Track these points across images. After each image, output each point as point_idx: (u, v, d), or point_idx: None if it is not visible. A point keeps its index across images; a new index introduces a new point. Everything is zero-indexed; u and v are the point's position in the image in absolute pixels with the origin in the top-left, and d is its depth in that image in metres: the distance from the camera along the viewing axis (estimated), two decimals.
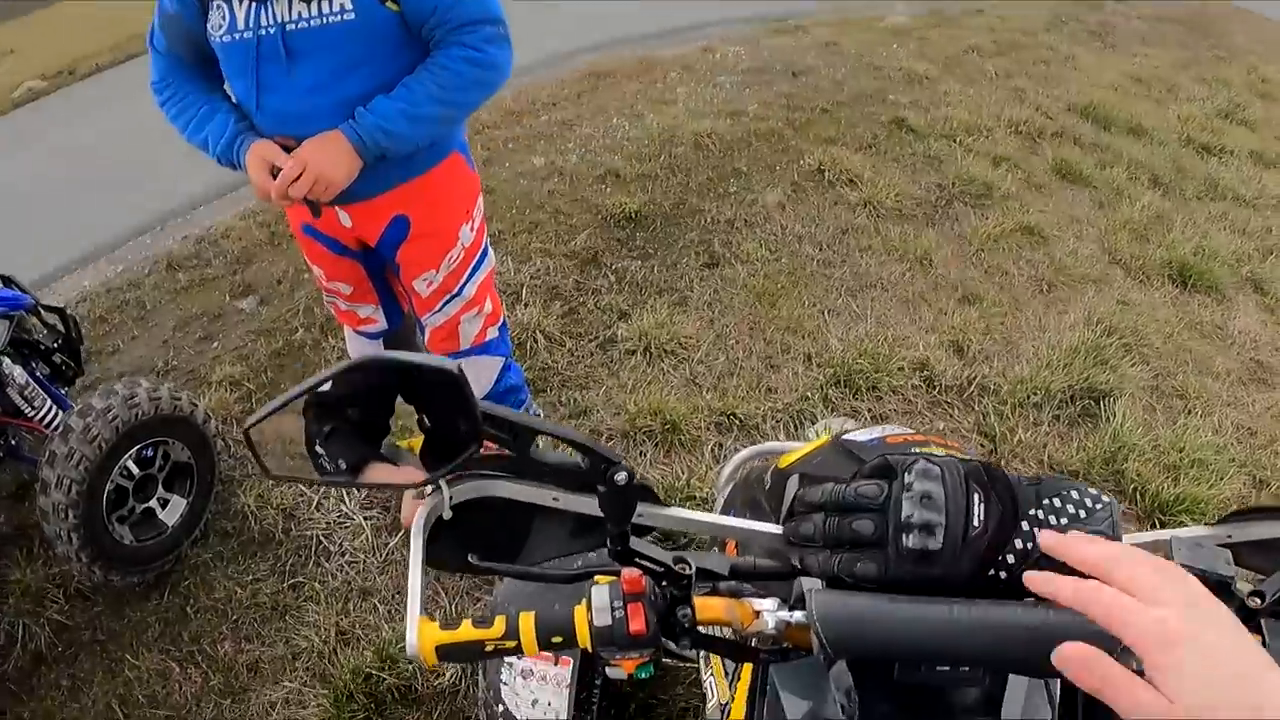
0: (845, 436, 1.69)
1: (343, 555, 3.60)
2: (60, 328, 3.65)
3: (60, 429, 3.15)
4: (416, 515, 1.34)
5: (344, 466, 1.20)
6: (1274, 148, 8.77)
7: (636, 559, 1.21)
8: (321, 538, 3.66)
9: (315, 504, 3.78)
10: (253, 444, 1.14)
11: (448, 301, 3.09)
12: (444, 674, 3.15)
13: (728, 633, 1.48)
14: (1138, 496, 4.00)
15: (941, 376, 4.57)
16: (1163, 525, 3.73)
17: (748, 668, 1.53)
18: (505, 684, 2.18)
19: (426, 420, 1.21)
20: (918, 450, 1.32)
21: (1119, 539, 1.18)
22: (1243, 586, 1.20)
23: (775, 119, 7.10)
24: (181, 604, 3.46)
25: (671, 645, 1.21)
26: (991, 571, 1.18)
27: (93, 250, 5.75)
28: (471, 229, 3.05)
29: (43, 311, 3.61)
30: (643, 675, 1.21)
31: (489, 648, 1.19)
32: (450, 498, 1.35)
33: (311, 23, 2.50)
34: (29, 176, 7.05)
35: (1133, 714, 0.87)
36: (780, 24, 9.58)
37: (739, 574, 1.31)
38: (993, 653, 1.14)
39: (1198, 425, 4.53)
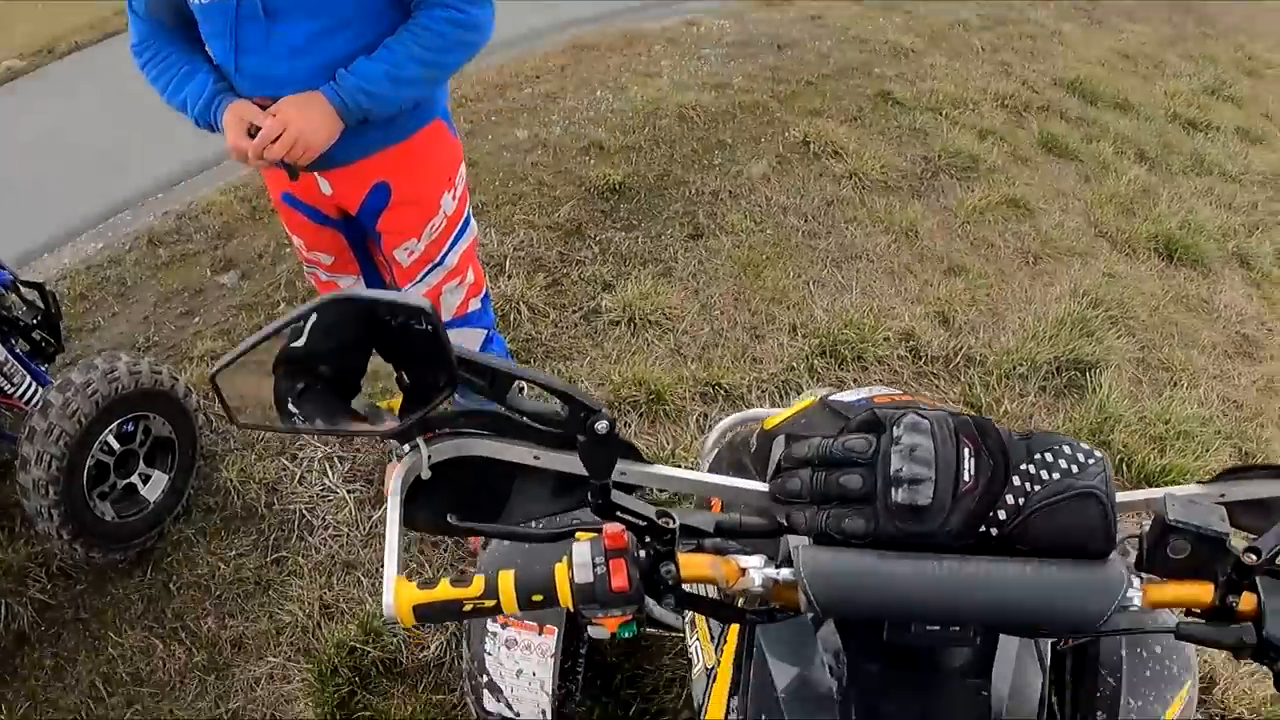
0: (832, 398, 1.67)
1: (326, 529, 3.59)
2: (40, 304, 3.60)
3: (40, 405, 3.11)
4: (394, 475, 1.30)
5: (320, 425, 1.17)
6: (1260, 124, 8.78)
7: (618, 513, 1.18)
8: (305, 511, 3.64)
9: (298, 478, 3.76)
10: (220, 391, 1.11)
11: (429, 271, 3.06)
12: (429, 646, 3.15)
13: (715, 595, 1.46)
14: (1124, 467, 4.02)
15: (927, 347, 4.58)
16: None
17: (734, 632, 1.52)
18: (489, 654, 2.16)
19: (405, 377, 1.18)
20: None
21: (1112, 495, 1.16)
22: (1237, 543, 1.18)
23: (760, 91, 7.07)
24: (164, 580, 3.45)
25: (655, 606, 1.18)
26: (983, 528, 1.15)
27: (73, 227, 5.71)
28: (454, 197, 3.02)
29: (22, 288, 3.57)
30: (626, 635, 1.17)
31: (467, 607, 1.16)
32: (429, 457, 1.32)
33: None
34: (8, 155, 7.00)
35: None
36: None
37: (724, 531, 1.28)
38: (985, 611, 1.13)
39: (1184, 397, 4.54)
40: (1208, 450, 4.13)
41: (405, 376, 1.17)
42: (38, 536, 3.39)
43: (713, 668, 1.58)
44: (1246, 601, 1.18)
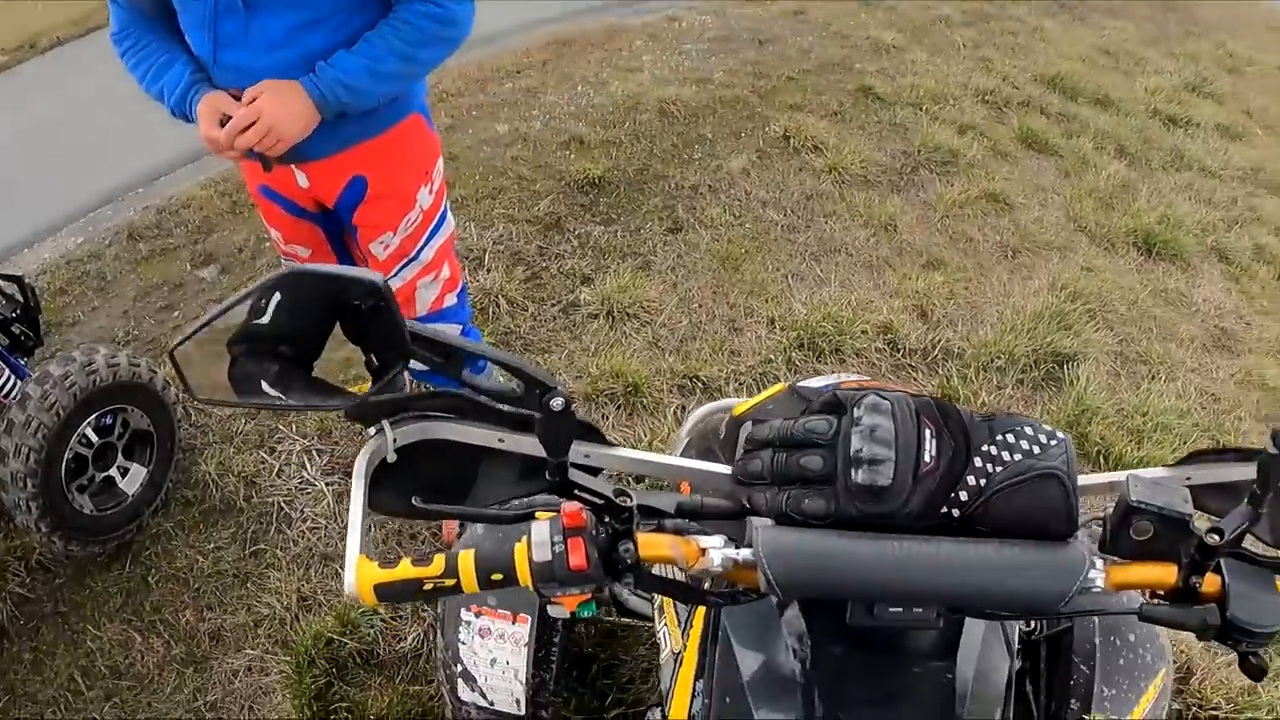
0: (800, 384, 1.68)
1: (304, 522, 3.60)
2: (19, 298, 3.60)
3: (18, 397, 3.12)
4: (359, 457, 1.31)
5: (274, 400, 1.17)
6: (1240, 121, 8.82)
7: (576, 492, 1.19)
8: (283, 504, 3.65)
9: (277, 471, 3.77)
10: (179, 366, 1.11)
11: (404, 265, 3.06)
12: (406, 638, 3.16)
13: (682, 578, 1.47)
14: (1101, 459, 4.04)
15: (905, 340, 4.60)
16: None
17: (700, 616, 1.52)
18: (464, 643, 2.17)
19: (373, 360, 1.18)
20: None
21: (1074, 476, 1.17)
22: (1200, 524, 1.18)
23: (741, 86, 7.09)
24: (143, 574, 3.45)
25: (629, 596, 1.18)
26: (944, 509, 1.16)
27: (53, 222, 5.70)
28: (430, 191, 3.02)
29: (0, 282, 3.57)
30: (585, 614, 1.18)
31: (428, 586, 1.16)
32: (394, 440, 1.32)
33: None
34: None
35: None
36: None
37: (686, 512, 1.28)
38: (945, 592, 1.14)
39: (1161, 390, 4.57)
40: (1185, 442, 4.15)
41: (373, 359, 1.17)
42: (16, 530, 3.39)
43: (679, 652, 1.59)
44: (1210, 583, 1.19)
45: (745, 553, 1.18)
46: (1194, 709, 3.24)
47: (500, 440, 1.35)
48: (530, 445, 1.32)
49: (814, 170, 6.07)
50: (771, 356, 4.37)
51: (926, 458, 1.15)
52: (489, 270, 4.76)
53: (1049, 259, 5.62)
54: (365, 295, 1.08)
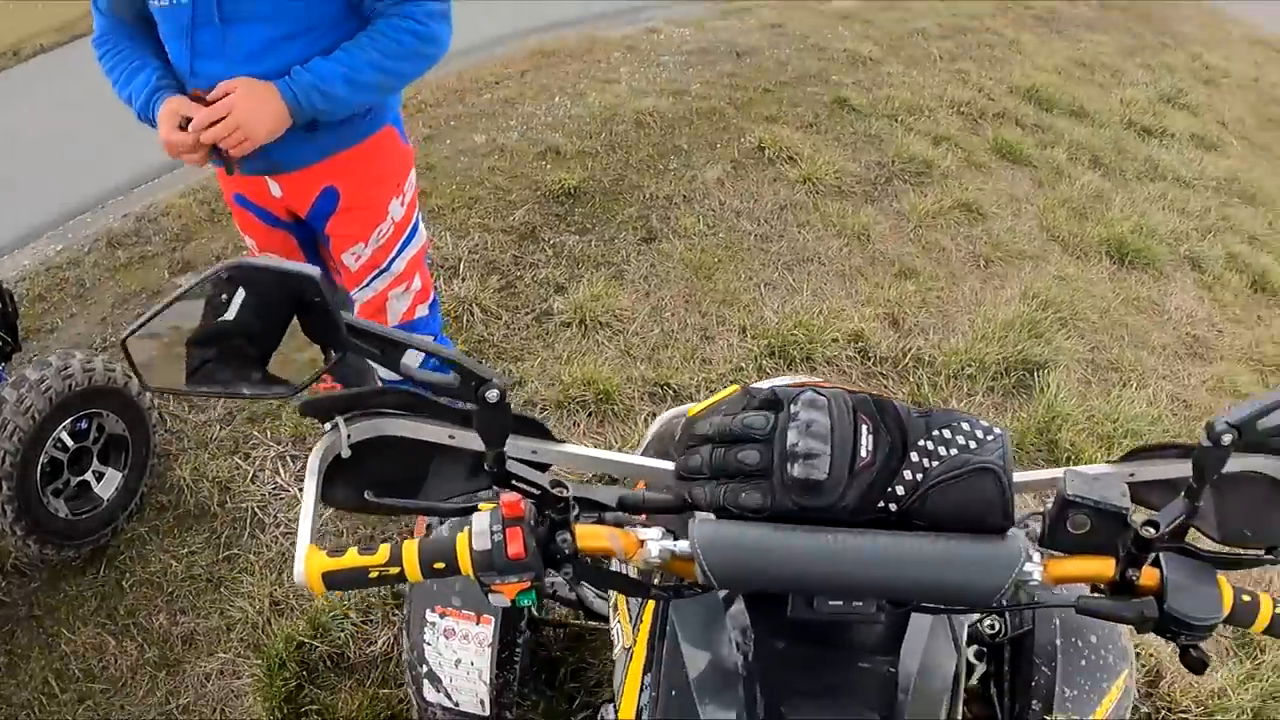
0: (754, 386, 1.71)
1: (277, 527, 3.62)
2: None
3: None
4: (313, 452, 1.35)
5: (220, 388, 1.20)
6: (1215, 131, 8.87)
7: (515, 482, 1.22)
8: (257, 510, 3.67)
9: (251, 477, 3.79)
10: (130, 356, 1.14)
11: (376, 276, 3.08)
12: (375, 641, 3.18)
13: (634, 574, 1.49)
14: (1071, 466, 4.05)
15: (876, 348, 4.63)
16: None
17: (649, 611, 1.54)
18: (429, 644, 2.19)
19: (331, 354, 1.21)
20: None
21: (1010, 470, 1.19)
22: (1138, 518, 1.21)
23: (717, 98, 7.13)
24: (117, 578, 3.46)
25: (594, 598, 1.21)
26: (881, 504, 1.18)
27: (32, 229, 5.70)
28: (402, 204, 3.03)
29: None
30: (525, 602, 1.21)
31: (373, 574, 1.20)
32: (348, 436, 1.36)
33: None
34: None
35: None
36: (727, 5, 9.57)
37: (628, 506, 1.32)
38: (880, 584, 1.17)
39: (1132, 397, 4.60)
40: None
41: (331, 354, 1.20)
42: None
43: (630, 648, 1.61)
44: (1148, 576, 1.22)
45: (682, 545, 1.21)
46: (1164, 712, 3.27)
47: (451, 437, 1.39)
48: (478, 442, 1.35)
49: (788, 181, 6.11)
50: (743, 364, 4.40)
51: (863, 452, 1.18)
52: (464, 279, 4.78)
53: (1021, 268, 5.66)
54: (301, 288, 1.11)
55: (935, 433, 1.20)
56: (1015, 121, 7.71)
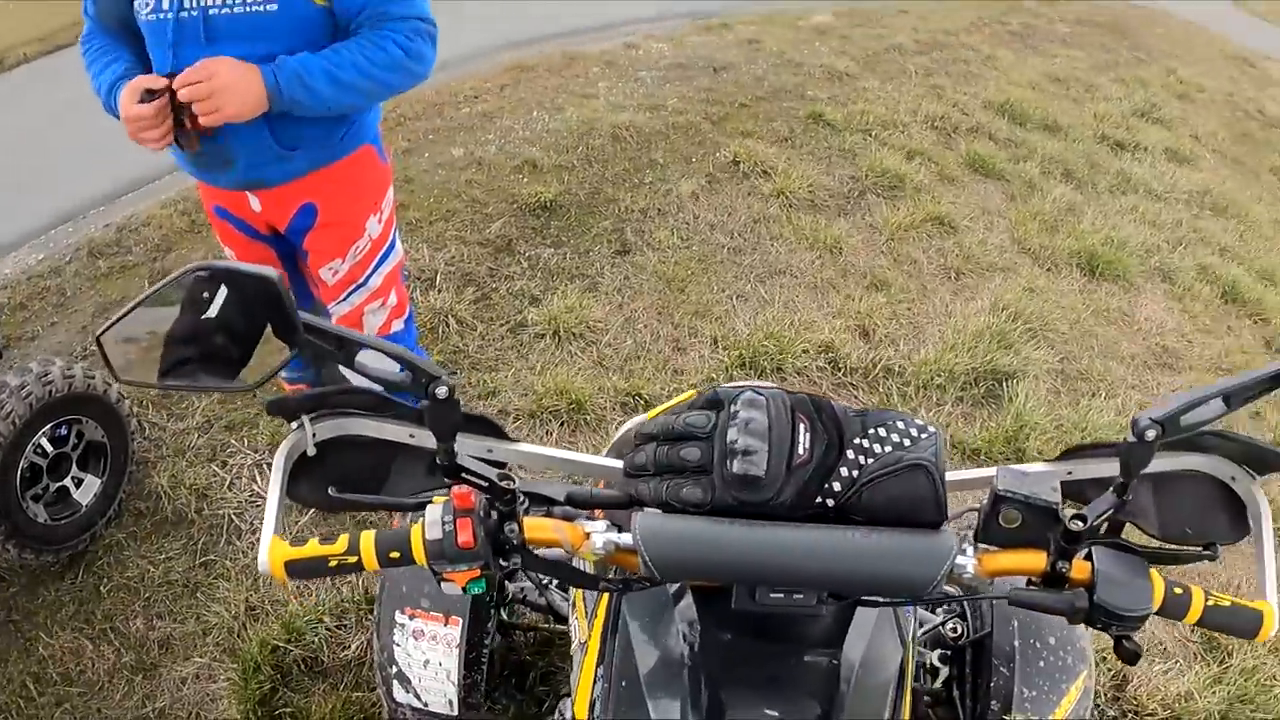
0: (719, 388, 1.76)
1: (254, 533, 3.64)
2: None
3: None
4: (279, 449, 1.40)
5: (186, 382, 1.26)
6: (1189, 145, 8.99)
7: (464, 475, 1.27)
8: (233, 517, 3.69)
9: (228, 484, 3.81)
10: (104, 350, 1.20)
11: (352, 291, 3.12)
12: (349, 646, 3.20)
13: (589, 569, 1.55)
14: None
15: (846, 359, 4.68)
16: None
17: (603, 606, 1.59)
18: (398, 645, 2.24)
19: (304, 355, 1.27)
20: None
21: (942, 467, 1.24)
22: (1067, 513, 1.26)
23: (694, 113, 7.19)
24: (95, 583, 3.48)
25: (562, 603, 1.25)
26: (819, 499, 1.22)
27: (14, 238, 5.70)
28: (379, 221, 3.08)
29: None
30: (475, 590, 1.26)
31: (333, 563, 1.27)
32: (314, 435, 1.41)
33: (235, 9, 2.52)
34: None
35: None
36: (705, 21, 9.64)
37: (576, 501, 1.36)
38: (817, 575, 1.21)
39: (1101, 406, 4.66)
40: None
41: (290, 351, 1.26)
42: None
43: (585, 642, 1.65)
44: (1080, 569, 1.28)
45: (626, 537, 1.27)
46: (1130, 715, 3.32)
47: (411, 436, 1.44)
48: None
49: (762, 194, 6.17)
50: (714, 375, 4.45)
51: (800, 450, 1.22)
52: (440, 290, 4.82)
53: (992, 280, 5.73)
54: (260, 289, 1.17)
55: (871, 431, 1.25)
56: (989, 136, 7.80)
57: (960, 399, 4.59)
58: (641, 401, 4.21)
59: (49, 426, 3.32)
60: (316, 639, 3.20)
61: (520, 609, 2.70)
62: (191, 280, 1.18)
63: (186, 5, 2.52)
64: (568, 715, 1.73)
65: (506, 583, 2.55)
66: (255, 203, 2.90)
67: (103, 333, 1.18)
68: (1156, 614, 1.29)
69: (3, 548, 3.24)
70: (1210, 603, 1.29)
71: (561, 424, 4.10)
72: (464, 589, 1.26)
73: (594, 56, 8.41)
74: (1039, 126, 8.27)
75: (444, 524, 1.22)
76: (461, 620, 2.23)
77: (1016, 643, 2.28)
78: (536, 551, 1.32)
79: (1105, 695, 3.35)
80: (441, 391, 1.22)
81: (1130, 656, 1.31)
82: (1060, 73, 9.95)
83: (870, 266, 5.61)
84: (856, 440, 1.24)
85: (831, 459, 1.24)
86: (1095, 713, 3.30)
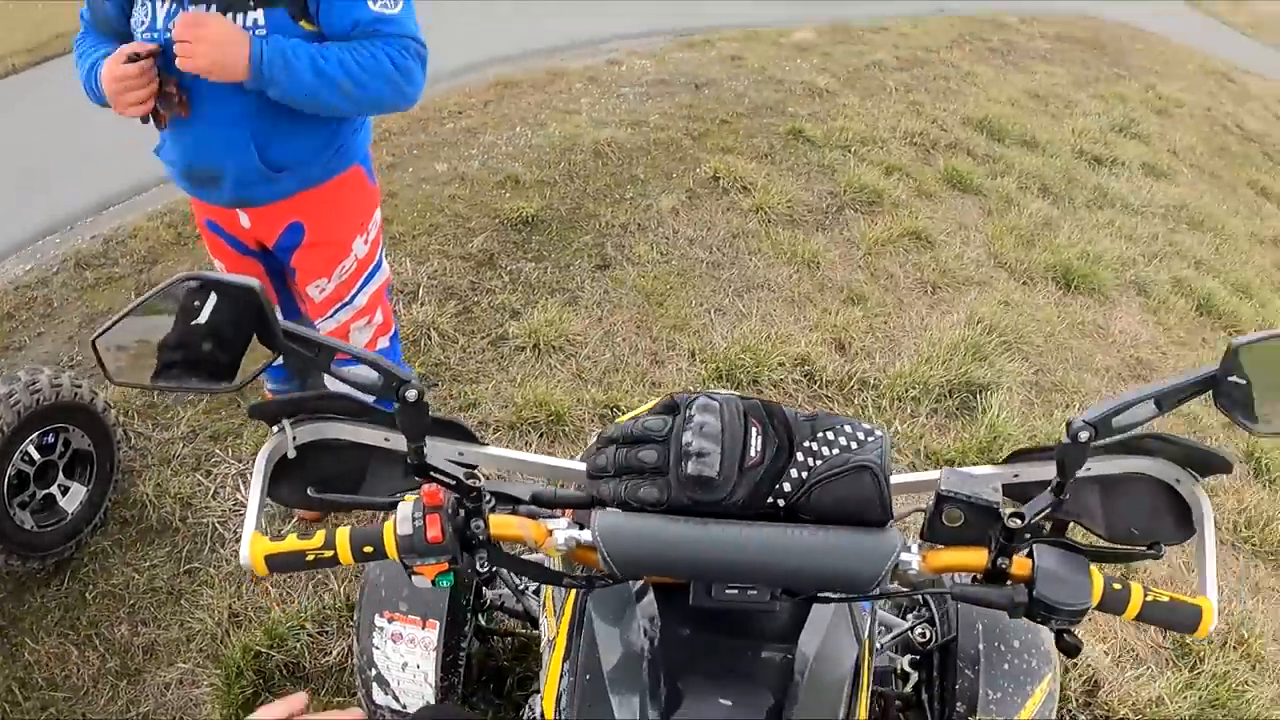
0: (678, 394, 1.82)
1: (237, 542, 3.61)
2: None
3: None
4: (261, 451, 1.48)
5: (172, 383, 1.33)
6: (1166, 160, 9.06)
7: (432, 473, 1.35)
8: (218, 525, 3.74)
9: (212, 493, 3.86)
10: (99, 354, 1.27)
11: (339, 309, 3.17)
12: (330, 652, 3.26)
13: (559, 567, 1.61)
14: None
15: (822, 372, 4.74)
16: None
17: (570, 603, 1.66)
18: (377, 648, 2.31)
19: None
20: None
21: (887, 469, 1.30)
22: (1007, 512, 1.33)
23: (675, 129, 7.26)
24: (81, 589, 3.51)
25: (532, 603, 1.32)
26: (770, 499, 1.29)
27: (2, 249, 5.74)
28: (365, 241, 3.12)
29: None
30: (444, 584, 1.34)
31: (310, 557, 1.35)
32: (294, 438, 1.48)
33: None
34: None
35: None
36: (688, 38, 9.72)
37: (540, 500, 1.44)
38: (767, 570, 1.28)
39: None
40: None
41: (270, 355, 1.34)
42: None
43: (553, 638, 1.71)
44: (1021, 566, 1.35)
45: (586, 534, 1.33)
46: None
47: (386, 439, 1.52)
48: None
49: (741, 210, 6.24)
50: (691, 387, 4.49)
51: (752, 452, 1.29)
52: (422, 304, 4.88)
53: (968, 294, 5.79)
54: (244, 298, 1.24)
55: (820, 434, 1.32)
56: (967, 152, 7.88)
57: (934, 411, 4.65)
58: (620, 413, 4.22)
59: (36, 434, 3.36)
60: (298, 645, 3.25)
61: (498, 616, 2.76)
62: (181, 289, 1.25)
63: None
64: (536, 711, 1.79)
65: (484, 589, 2.61)
66: (245, 219, 2.95)
67: (97, 337, 1.25)
68: (1096, 609, 1.35)
69: None
70: (1149, 598, 1.35)
71: (541, 435, 4.16)
72: (433, 582, 1.34)
73: (577, 73, 8.49)
74: (1017, 142, 8.34)
75: (414, 520, 1.30)
76: (439, 623, 2.30)
77: (981, 646, 2.34)
78: (508, 551, 1.40)
79: (1077, 700, 3.41)
80: (411, 395, 1.30)
81: (1071, 650, 1.38)
82: (1040, 89, 10.04)
83: (847, 281, 5.68)
84: (806, 443, 1.31)
85: (782, 461, 1.30)
86: (1067, 715, 3.37)
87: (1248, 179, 9.55)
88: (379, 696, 2.33)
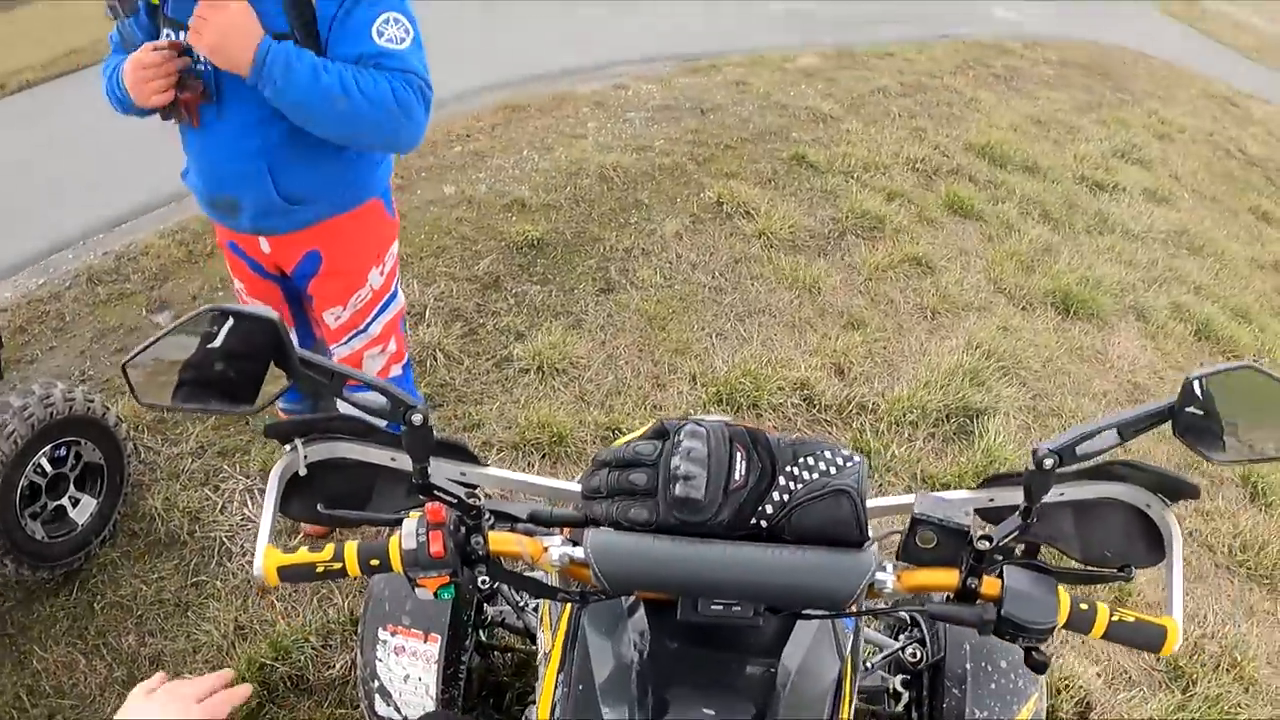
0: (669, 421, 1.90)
1: (244, 556, 3.74)
2: None
3: None
4: (274, 468, 1.57)
5: (195, 405, 1.41)
6: (1167, 185, 9.08)
7: (435, 492, 1.43)
8: (225, 539, 3.80)
9: (220, 508, 3.92)
10: (129, 377, 1.35)
11: (353, 336, 3.23)
12: (334, 665, 3.32)
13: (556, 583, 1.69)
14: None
15: (821, 396, 4.80)
16: None
17: (565, 618, 1.73)
18: (380, 660, 2.38)
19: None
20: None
21: (864, 493, 1.39)
22: (976, 534, 1.41)
23: (680, 154, 7.33)
24: (89, 600, 3.56)
25: (532, 620, 1.39)
26: (754, 520, 1.38)
27: (15, 263, 5.80)
28: (381, 273, 3.17)
29: None
30: (445, 596, 1.42)
31: (320, 569, 1.44)
32: (305, 456, 1.57)
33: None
34: None
35: None
36: (694, 63, 9.77)
37: (536, 519, 1.53)
38: (749, 587, 1.36)
39: None
40: None
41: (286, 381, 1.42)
42: None
43: (549, 651, 1.78)
44: (990, 585, 1.43)
45: (579, 551, 1.42)
46: None
47: (392, 459, 1.61)
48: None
49: (744, 235, 6.30)
50: (691, 410, 4.56)
51: (736, 476, 1.37)
52: (429, 325, 4.95)
53: (967, 319, 5.84)
54: (264, 328, 1.33)
55: (801, 460, 1.40)
56: (969, 178, 7.92)
57: (932, 435, 4.70)
58: (621, 435, 4.23)
59: (49, 447, 3.43)
60: (303, 658, 3.31)
61: (499, 631, 2.82)
62: (205, 319, 1.34)
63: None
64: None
65: (486, 605, 2.68)
66: (265, 245, 3.01)
67: (127, 362, 1.34)
68: (1063, 627, 1.43)
69: (0, 563, 3.35)
70: (1115, 618, 1.43)
71: (543, 456, 4.22)
72: (436, 594, 1.42)
73: (584, 97, 8.55)
74: (1019, 168, 8.37)
75: (418, 535, 1.39)
76: (440, 637, 2.37)
77: (968, 665, 2.41)
78: (507, 566, 1.48)
79: None
80: (417, 419, 1.38)
81: (1038, 666, 1.46)
82: (1042, 114, 10.07)
83: (847, 306, 5.73)
84: (788, 468, 1.39)
85: (765, 485, 1.38)
86: None
87: (1249, 204, 9.54)
88: (381, 708, 2.40)
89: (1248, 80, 14.75)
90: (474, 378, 4.72)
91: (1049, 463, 1.37)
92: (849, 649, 1.69)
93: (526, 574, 1.56)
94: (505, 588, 2.60)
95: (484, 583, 1.45)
